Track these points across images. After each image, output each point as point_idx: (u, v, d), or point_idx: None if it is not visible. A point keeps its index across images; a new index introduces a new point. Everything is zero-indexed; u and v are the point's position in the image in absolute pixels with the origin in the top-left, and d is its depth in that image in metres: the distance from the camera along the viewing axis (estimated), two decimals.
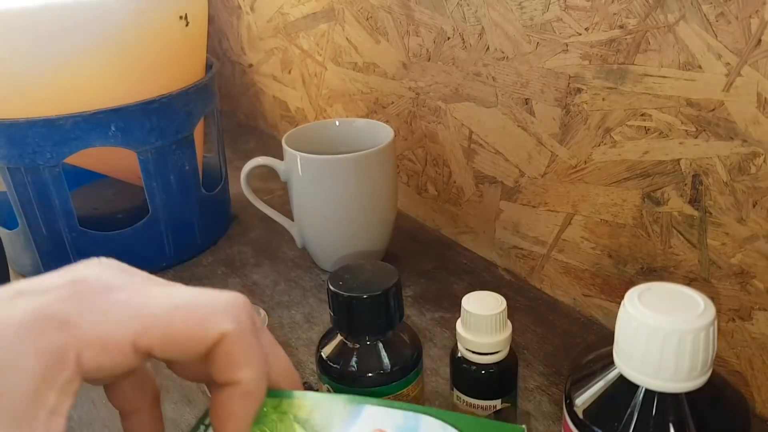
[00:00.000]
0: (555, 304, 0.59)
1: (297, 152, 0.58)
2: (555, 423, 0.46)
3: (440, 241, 0.70)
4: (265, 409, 0.28)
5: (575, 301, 0.58)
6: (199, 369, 0.27)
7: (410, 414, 0.29)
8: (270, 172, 0.63)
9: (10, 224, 0.64)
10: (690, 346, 0.27)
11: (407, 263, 0.67)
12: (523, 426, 0.29)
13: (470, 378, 0.40)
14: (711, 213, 0.45)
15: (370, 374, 0.39)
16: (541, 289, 0.61)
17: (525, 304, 0.59)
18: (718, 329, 0.29)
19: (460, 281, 0.63)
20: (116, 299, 0.25)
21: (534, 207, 0.58)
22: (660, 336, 0.27)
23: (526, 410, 0.47)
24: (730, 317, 0.45)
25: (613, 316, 0.30)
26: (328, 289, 0.39)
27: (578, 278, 0.56)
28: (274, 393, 0.29)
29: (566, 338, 0.54)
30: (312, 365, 0.54)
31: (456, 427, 0.29)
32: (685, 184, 0.46)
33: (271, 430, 0.27)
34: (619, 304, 0.30)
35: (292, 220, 0.66)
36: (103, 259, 0.28)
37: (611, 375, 0.30)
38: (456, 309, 0.41)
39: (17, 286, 0.24)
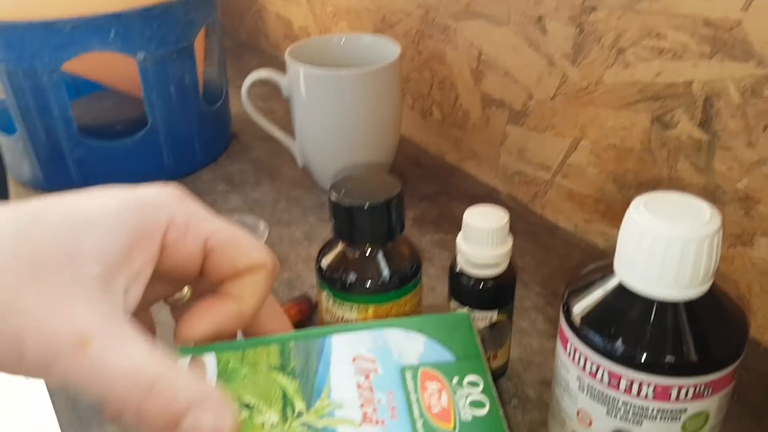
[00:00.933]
0: (556, 229, 0.59)
1: (300, 65, 0.57)
2: (548, 340, 0.46)
3: (443, 167, 0.70)
4: (230, 366, 0.27)
5: (576, 227, 0.57)
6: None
7: (375, 332, 0.30)
8: (271, 92, 0.62)
9: (9, 130, 0.63)
10: (693, 253, 0.27)
11: (409, 187, 0.66)
12: (466, 311, 0.31)
13: (468, 290, 0.40)
14: (720, 137, 0.44)
15: (368, 284, 0.39)
16: (543, 215, 0.60)
17: (525, 229, 0.59)
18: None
19: (461, 205, 0.63)
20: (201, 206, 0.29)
21: (541, 131, 0.57)
22: (663, 243, 0.27)
23: (522, 327, 0.48)
24: (731, 243, 0.45)
25: (614, 242, 0.30)
26: (330, 197, 0.38)
27: (581, 204, 0.56)
28: (234, 344, 0.28)
29: (565, 262, 0.54)
30: (311, 280, 0.54)
31: (419, 332, 0.30)
32: (696, 107, 0.45)
33: (250, 388, 0.27)
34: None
35: (294, 138, 0.65)
36: None
37: (611, 284, 0.30)
38: (456, 231, 0.41)
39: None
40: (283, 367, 0.28)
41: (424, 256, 0.56)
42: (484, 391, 0.28)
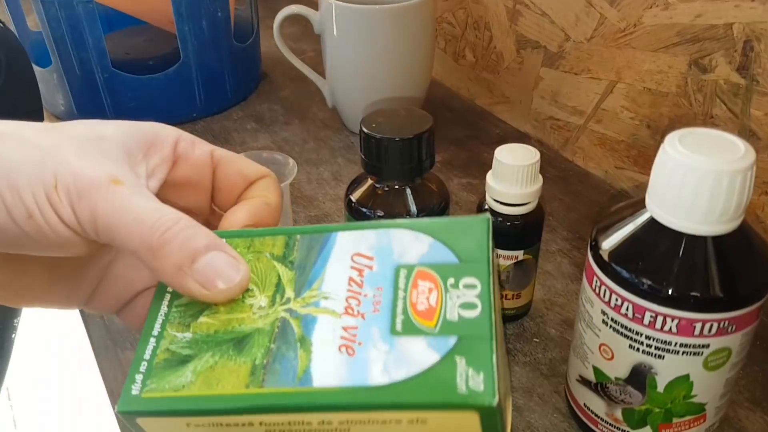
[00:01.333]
0: (586, 175, 0.58)
1: (333, 1, 0.56)
2: (573, 282, 0.47)
3: (474, 111, 0.69)
4: (237, 251, 0.28)
5: (606, 174, 0.57)
6: None
7: (381, 231, 0.29)
8: (303, 32, 0.62)
9: (44, 62, 0.63)
10: (725, 188, 0.26)
11: (438, 131, 0.65)
12: (487, 215, 0.30)
13: (495, 228, 0.40)
14: (758, 81, 0.43)
15: (396, 219, 0.39)
16: (573, 161, 0.60)
17: (555, 175, 0.58)
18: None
19: (491, 150, 0.62)
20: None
21: (576, 74, 0.56)
22: (696, 175, 0.27)
23: (547, 270, 0.48)
24: (762, 190, 0.44)
25: (644, 188, 0.30)
26: (361, 130, 0.39)
27: (613, 150, 0.55)
28: (243, 233, 0.29)
29: (593, 208, 0.54)
30: (339, 219, 0.54)
31: (426, 233, 0.29)
32: (735, 51, 0.44)
33: (252, 270, 0.27)
34: None
35: (324, 78, 0.65)
36: None
37: (641, 219, 0.30)
38: (484, 176, 0.40)
39: None
40: (284, 257, 0.28)
41: (451, 200, 0.56)
42: (479, 295, 0.27)
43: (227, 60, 0.67)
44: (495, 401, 0.24)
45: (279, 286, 0.28)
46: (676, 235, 0.28)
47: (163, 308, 0.26)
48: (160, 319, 0.26)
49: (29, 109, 0.58)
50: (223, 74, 0.68)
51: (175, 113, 0.66)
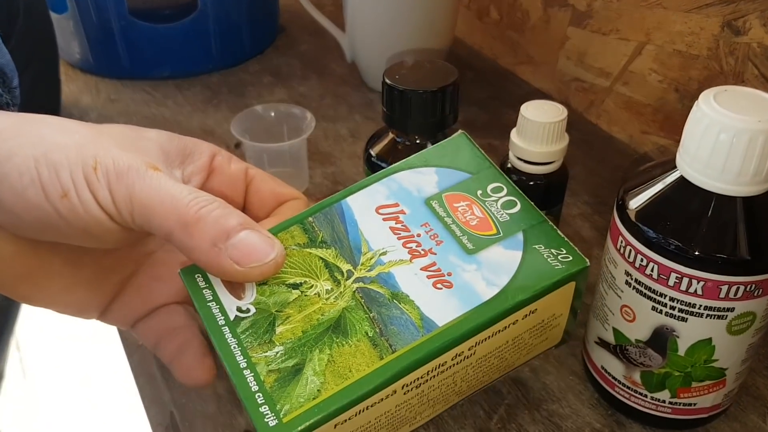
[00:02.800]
0: (610, 139, 0.57)
1: None
2: (593, 247, 0.46)
3: (497, 71, 0.68)
4: None
5: (631, 138, 0.56)
6: None
7: (384, 181, 0.30)
8: None
9: (60, 8, 0.63)
10: (760, 147, 0.26)
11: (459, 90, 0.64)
12: (459, 132, 0.32)
13: (519, 187, 0.40)
14: None
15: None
16: (598, 124, 0.59)
17: (578, 138, 0.57)
18: None
19: (513, 112, 0.61)
20: None
21: (604, 34, 0.55)
22: (730, 134, 0.26)
23: (567, 234, 0.47)
24: None
25: (670, 154, 0.29)
26: (384, 82, 0.38)
27: (639, 113, 0.54)
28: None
29: (616, 172, 0.53)
30: (355, 176, 0.54)
31: (424, 166, 0.31)
32: None
33: (290, 270, 0.27)
34: (678, 142, 0.28)
35: (344, 31, 0.63)
36: None
37: (670, 178, 0.29)
38: (506, 137, 0.40)
39: None
40: (312, 242, 0.28)
41: None
42: (509, 193, 0.29)
43: (245, 11, 0.66)
44: (587, 261, 0.27)
45: (330, 267, 0.27)
46: (706, 195, 0.27)
47: (231, 341, 0.25)
48: (236, 352, 0.25)
49: (45, 56, 0.57)
50: (240, 26, 0.66)
51: (190, 64, 0.65)
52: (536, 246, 0.27)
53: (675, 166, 0.29)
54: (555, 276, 0.26)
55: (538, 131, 0.37)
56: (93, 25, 0.61)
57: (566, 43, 0.59)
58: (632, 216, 0.30)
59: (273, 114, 0.51)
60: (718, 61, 0.46)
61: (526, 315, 0.26)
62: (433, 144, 0.39)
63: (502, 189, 0.29)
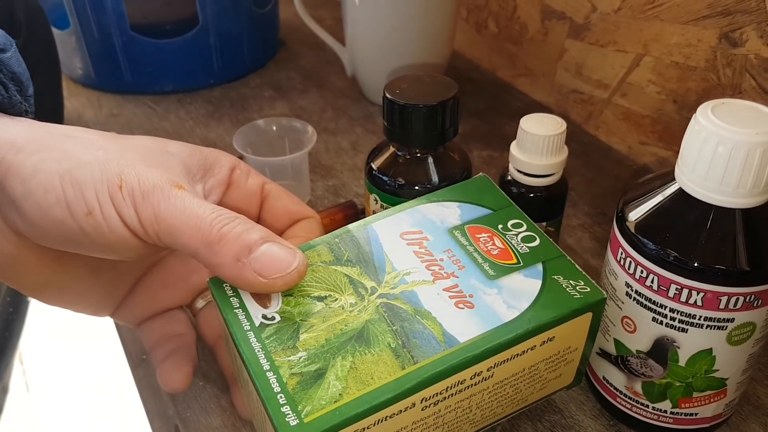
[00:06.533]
0: (609, 150, 0.57)
1: None
2: (593, 257, 0.46)
3: (495, 83, 0.68)
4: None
5: (630, 149, 0.56)
6: None
7: (409, 211, 0.32)
8: (321, 0, 0.61)
9: (62, 24, 0.63)
10: (757, 159, 0.26)
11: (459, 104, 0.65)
12: (481, 174, 0.34)
13: (518, 199, 0.40)
14: None
15: (417, 187, 0.38)
16: (596, 135, 0.59)
17: (577, 149, 0.58)
18: None
19: (512, 123, 0.62)
20: None
21: (602, 46, 0.55)
22: (728, 146, 0.26)
23: (568, 244, 0.47)
24: None
25: (668, 165, 0.29)
26: (384, 96, 0.38)
27: (637, 125, 0.54)
28: None
29: (615, 183, 0.53)
30: (356, 189, 0.54)
31: (447, 200, 0.32)
32: (767, 24, 0.43)
33: (315, 284, 0.28)
34: (677, 153, 0.29)
35: (344, 45, 0.64)
36: None
37: (669, 190, 0.29)
38: (505, 149, 0.40)
39: None
40: (338, 260, 0.29)
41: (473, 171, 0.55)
42: (529, 229, 0.31)
43: (246, 26, 0.66)
44: (605, 293, 0.28)
45: (354, 283, 0.28)
46: (705, 207, 0.28)
47: (255, 345, 0.26)
48: (260, 355, 0.25)
49: (47, 71, 0.58)
50: (242, 40, 0.67)
51: (192, 79, 0.66)
52: (555, 277, 0.28)
53: (674, 179, 0.29)
54: (574, 305, 0.27)
55: (538, 144, 0.38)
56: (95, 40, 0.62)
57: (564, 56, 0.59)
58: (632, 228, 0.30)
59: (275, 128, 0.52)
60: (715, 72, 0.47)
61: (544, 342, 0.27)
62: (433, 157, 0.39)
63: (522, 225, 0.31)
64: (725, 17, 0.45)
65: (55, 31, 0.64)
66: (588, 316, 0.28)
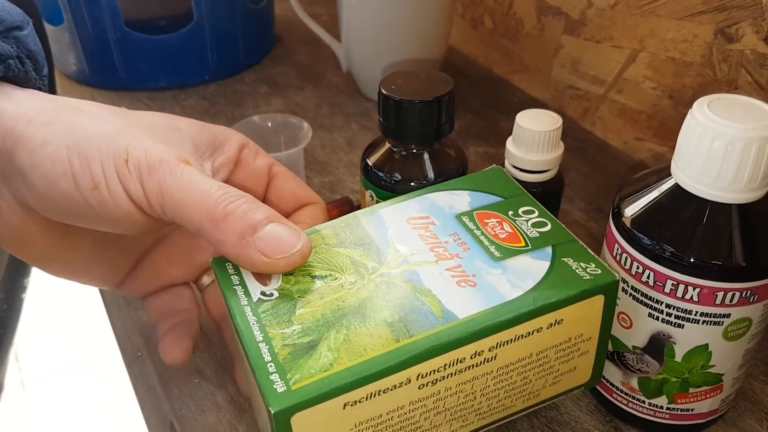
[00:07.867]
0: (605, 146, 0.57)
1: None
2: None
3: (491, 79, 0.68)
4: None
5: (626, 145, 0.56)
6: None
7: (419, 198, 0.31)
8: None
9: (56, 20, 0.63)
10: (754, 154, 0.26)
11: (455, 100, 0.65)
12: (496, 165, 0.34)
13: None
14: None
15: (413, 183, 0.38)
16: (592, 131, 0.59)
17: (573, 145, 0.57)
18: None
19: (508, 119, 0.62)
20: None
21: (598, 42, 0.55)
22: (724, 141, 0.26)
23: None
24: None
25: (664, 160, 0.29)
26: (380, 92, 0.38)
27: (633, 120, 0.54)
28: None
29: (611, 179, 0.53)
30: (352, 185, 0.54)
31: (459, 189, 0.32)
32: (763, 20, 0.42)
33: (317, 264, 0.28)
34: (673, 148, 0.29)
35: (339, 41, 0.64)
36: None
37: (665, 185, 0.29)
38: (501, 145, 0.40)
39: None
40: (341, 243, 0.29)
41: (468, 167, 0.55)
42: (542, 215, 0.30)
43: (241, 21, 0.66)
44: (618, 276, 0.27)
45: (356, 263, 0.28)
46: (701, 203, 0.28)
47: (251, 318, 0.26)
48: (255, 328, 0.25)
49: None
50: (236, 36, 0.67)
51: (187, 75, 0.66)
52: (565, 259, 0.28)
53: (670, 174, 0.29)
54: (582, 285, 0.26)
55: (534, 140, 0.38)
56: (89, 36, 0.61)
57: (560, 51, 0.59)
58: (628, 224, 0.30)
59: (270, 124, 0.51)
60: (711, 68, 0.47)
61: (551, 324, 0.26)
62: (429, 153, 0.39)
63: (534, 211, 0.30)
64: (721, 12, 0.45)
65: (48, 27, 0.63)
66: (600, 300, 0.27)
